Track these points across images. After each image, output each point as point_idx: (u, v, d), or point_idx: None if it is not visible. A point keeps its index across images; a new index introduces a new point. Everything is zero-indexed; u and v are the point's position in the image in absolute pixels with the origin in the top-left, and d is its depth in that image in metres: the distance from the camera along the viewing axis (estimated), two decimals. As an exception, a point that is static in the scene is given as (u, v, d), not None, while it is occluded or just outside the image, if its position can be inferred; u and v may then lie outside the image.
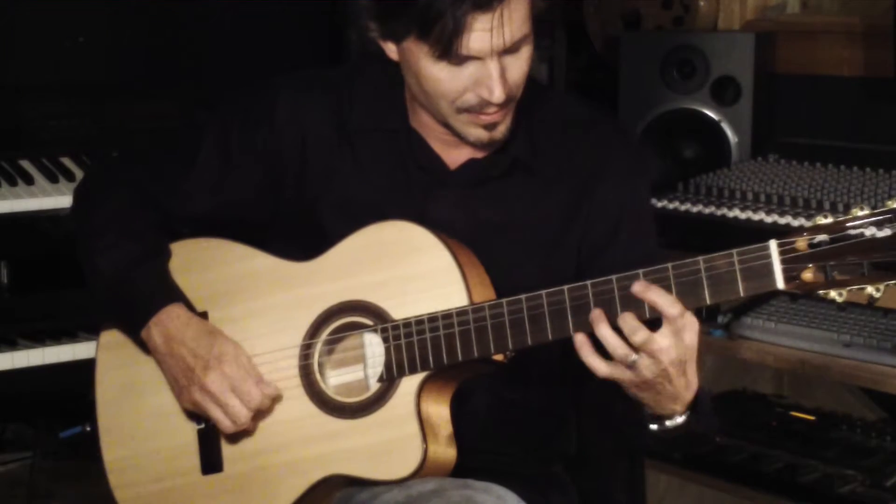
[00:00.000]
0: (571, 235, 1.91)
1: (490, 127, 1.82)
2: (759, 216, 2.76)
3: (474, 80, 1.77)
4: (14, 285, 2.84)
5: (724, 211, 2.82)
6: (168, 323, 1.89)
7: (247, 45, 3.05)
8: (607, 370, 1.69)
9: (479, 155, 1.91)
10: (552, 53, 4.05)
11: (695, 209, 2.87)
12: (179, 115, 2.93)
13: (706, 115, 3.27)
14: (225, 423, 1.85)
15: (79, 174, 2.74)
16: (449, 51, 1.74)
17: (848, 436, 2.87)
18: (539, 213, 1.91)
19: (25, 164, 2.75)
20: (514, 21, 1.74)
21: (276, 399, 1.86)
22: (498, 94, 1.76)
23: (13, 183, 2.69)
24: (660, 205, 2.92)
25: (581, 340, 1.68)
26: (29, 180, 2.70)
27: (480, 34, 1.72)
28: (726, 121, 3.24)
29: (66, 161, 2.80)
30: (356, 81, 1.97)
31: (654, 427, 1.76)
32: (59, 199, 2.67)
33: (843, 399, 3.10)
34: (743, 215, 2.79)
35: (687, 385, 1.71)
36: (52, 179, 2.72)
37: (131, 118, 2.94)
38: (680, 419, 1.75)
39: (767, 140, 3.24)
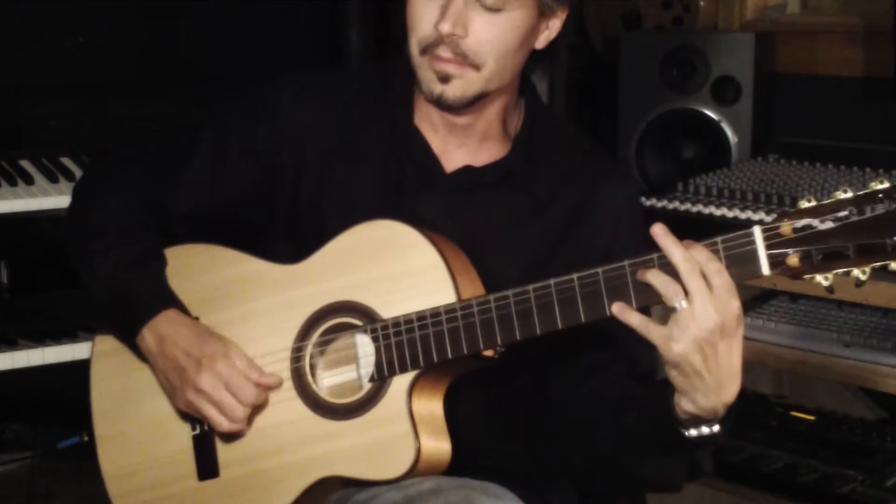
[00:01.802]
0: (557, 259, 1.89)
1: (443, 78, 1.80)
2: (759, 216, 2.76)
3: (440, 11, 1.77)
4: (14, 285, 2.84)
5: (724, 211, 2.82)
6: (162, 326, 1.89)
7: (247, 45, 3.05)
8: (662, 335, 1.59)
9: (476, 162, 1.91)
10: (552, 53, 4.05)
11: (695, 209, 2.87)
12: (179, 115, 2.94)
13: (706, 115, 3.27)
14: (220, 422, 1.85)
15: (79, 174, 2.74)
16: None
17: (848, 436, 2.87)
18: (526, 229, 1.90)
19: (25, 164, 2.75)
20: None
21: (270, 401, 1.86)
22: (446, 26, 1.75)
23: (13, 183, 2.69)
24: (660, 205, 2.92)
25: (620, 308, 1.61)
26: (29, 180, 2.70)
27: None
28: (726, 121, 3.25)
29: (66, 161, 2.80)
30: (359, 82, 1.97)
31: (693, 433, 1.66)
32: (59, 199, 2.67)
33: (843, 399, 3.10)
34: (743, 215, 2.79)
35: (730, 369, 1.60)
36: (52, 179, 2.72)
37: (131, 118, 2.95)
38: (717, 427, 1.65)
39: (767, 140, 3.25)
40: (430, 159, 1.91)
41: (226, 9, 3.06)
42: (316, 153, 1.94)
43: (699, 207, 2.87)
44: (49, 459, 3.21)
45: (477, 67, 1.80)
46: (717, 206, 2.84)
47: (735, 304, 1.59)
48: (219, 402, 1.84)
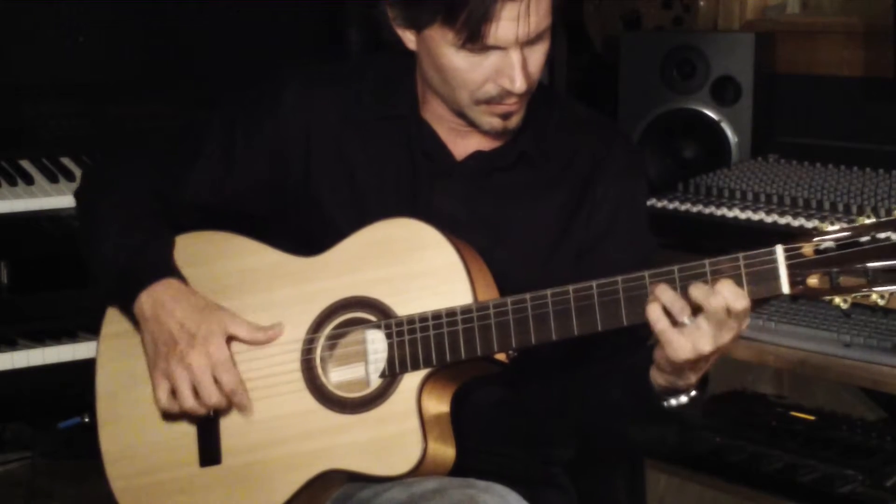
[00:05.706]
0: (572, 234, 1.92)
1: (506, 116, 1.84)
2: (759, 216, 2.75)
3: (495, 69, 1.78)
4: (14, 285, 2.84)
5: (724, 211, 2.82)
6: (161, 293, 1.89)
7: (247, 45, 3.05)
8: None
9: (486, 147, 1.92)
10: (552, 53, 4.05)
11: (695, 209, 2.87)
12: (179, 115, 2.93)
13: (706, 115, 3.27)
14: (189, 402, 1.85)
15: (79, 174, 2.74)
16: (475, 38, 1.74)
17: (848, 436, 2.87)
18: (542, 209, 1.92)
19: (25, 164, 2.75)
20: (540, 11, 1.76)
21: (277, 392, 1.86)
22: (520, 85, 1.78)
23: (13, 183, 2.69)
24: (660, 205, 2.92)
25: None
26: (29, 180, 2.70)
27: (507, 23, 1.73)
28: (726, 121, 3.24)
29: (66, 161, 2.80)
30: (364, 74, 1.98)
31: (673, 402, 1.74)
32: (59, 199, 2.66)
33: (843, 399, 3.10)
34: (743, 215, 2.79)
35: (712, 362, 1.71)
36: (52, 179, 2.72)
37: (131, 118, 2.94)
38: (694, 392, 1.73)
39: (767, 140, 3.25)
40: (441, 150, 1.93)
41: (226, 9, 3.06)
42: (323, 146, 1.95)
43: (699, 207, 2.86)
44: (49, 459, 3.21)
45: (532, 90, 1.84)
46: (718, 207, 2.84)
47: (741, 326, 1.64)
48: (199, 383, 1.84)
